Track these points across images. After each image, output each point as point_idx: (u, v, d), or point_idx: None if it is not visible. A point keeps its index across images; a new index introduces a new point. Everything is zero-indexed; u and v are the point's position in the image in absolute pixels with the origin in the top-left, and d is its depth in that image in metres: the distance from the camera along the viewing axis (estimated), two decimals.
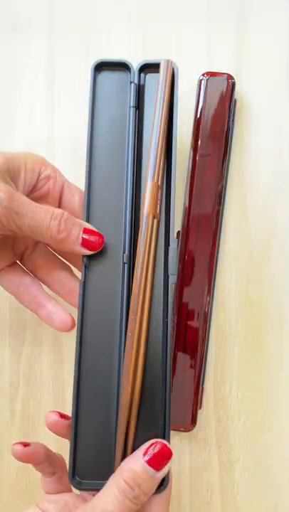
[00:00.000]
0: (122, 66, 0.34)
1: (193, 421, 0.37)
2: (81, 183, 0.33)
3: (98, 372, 0.30)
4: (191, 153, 0.37)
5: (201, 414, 0.38)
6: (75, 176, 0.35)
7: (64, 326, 0.33)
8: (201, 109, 0.37)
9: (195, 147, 0.37)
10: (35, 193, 0.33)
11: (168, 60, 0.32)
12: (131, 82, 0.33)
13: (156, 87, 0.32)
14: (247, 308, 0.39)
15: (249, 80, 0.39)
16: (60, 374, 0.40)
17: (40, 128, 0.41)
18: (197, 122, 0.37)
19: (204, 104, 0.37)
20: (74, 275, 0.34)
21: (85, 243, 0.30)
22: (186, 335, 0.37)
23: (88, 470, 0.29)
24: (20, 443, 0.30)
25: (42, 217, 0.29)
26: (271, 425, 0.38)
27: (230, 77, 0.37)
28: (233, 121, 0.38)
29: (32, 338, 0.40)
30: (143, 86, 0.34)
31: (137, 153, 0.33)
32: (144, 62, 0.33)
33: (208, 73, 0.37)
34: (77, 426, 0.29)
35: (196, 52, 0.39)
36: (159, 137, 0.31)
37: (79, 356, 0.30)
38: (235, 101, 0.38)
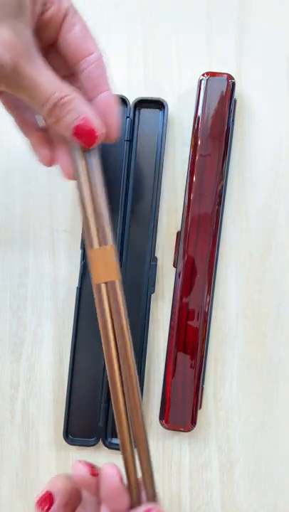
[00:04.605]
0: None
1: (193, 421, 0.37)
2: None
3: (89, 365, 0.38)
4: (191, 153, 0.37)
5: (201, 414, 0.38)
6: None
7: (42, 160, 0.31)
8: (201, 109, 0.37)
9: (195, 147, 0.37)
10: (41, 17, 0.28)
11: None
12: (127, 117, 0.38)
13: (148, 122, 0.38)
14: (247, 308, 0.39)
15: (249, 79, 0.39)
16: (60, 374, 0.40)
17: None
18: (197, 122, 0.37)
19: (204, 104, 0.37)
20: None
21: (77, 132, 0.27)
22: (186, 335, 0.37)
23: (77, 431, 0.39)
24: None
25: (40, 94, 0.26)
26: (271, 425, 0.38)
27: (230, 77, 0.37)
28: (233, 121, 0.38)
29: (32, 338, 0.40)
30: (138, 119, 0.39)
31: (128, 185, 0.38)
32: (140, 98, 0.38)
33: (208, 73, 0.37)
34: (70, 400, 0.38)
35: (196, 52, 0.39)
36: (89, 200, 0.29)
37: (74, 346, 0.38)
38: (235, 101, 0.38)
